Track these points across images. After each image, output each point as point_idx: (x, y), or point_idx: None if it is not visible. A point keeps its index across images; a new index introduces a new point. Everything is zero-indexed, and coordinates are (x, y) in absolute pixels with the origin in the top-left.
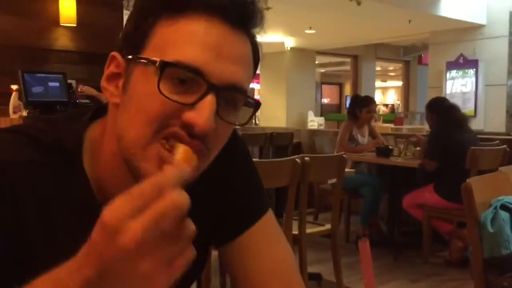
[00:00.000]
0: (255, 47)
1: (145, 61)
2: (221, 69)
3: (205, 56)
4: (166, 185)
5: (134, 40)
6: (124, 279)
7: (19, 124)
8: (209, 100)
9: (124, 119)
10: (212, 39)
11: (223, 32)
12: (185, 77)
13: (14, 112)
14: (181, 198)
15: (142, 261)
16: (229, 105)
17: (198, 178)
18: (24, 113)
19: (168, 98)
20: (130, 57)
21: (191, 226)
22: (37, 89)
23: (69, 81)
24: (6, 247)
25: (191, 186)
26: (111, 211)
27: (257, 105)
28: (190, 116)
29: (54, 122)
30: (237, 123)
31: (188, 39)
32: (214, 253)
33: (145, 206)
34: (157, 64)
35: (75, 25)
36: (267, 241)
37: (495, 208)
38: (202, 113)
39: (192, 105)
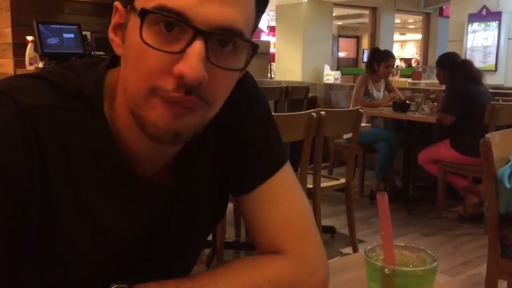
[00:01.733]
0: None
1: (134, 9)
2: (207, 11)
3: None
4: None
5: None
6: None
7: (41, 70)
8: (196, 47)
9: (125, 71)
10: None
11: None
12: (168, 22)
13: (31, 64)
14: None
15: None
16: (223, 49)
17: (218, 130)
18: (40, 65)
19: (155, 49)
20: (128, 7)
21: None
22: (52, 41)
23: (83, 32)
24: (31, 190)
25: (211, 136)
26: None
27: (254, 46)
28: (178, 67)
29: (75, 69)
30: (235, 68)
31: None
32: (229, 205)
33: None
34: (138, 13)
35: None
36: (284, 192)
37: None
38: (189, 61)
39: (180, 54)
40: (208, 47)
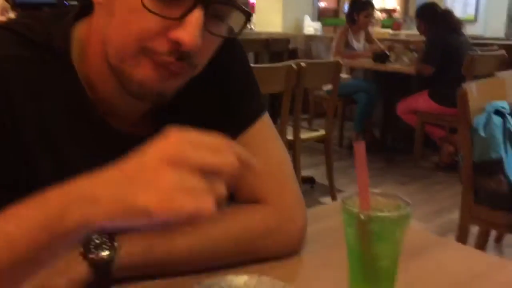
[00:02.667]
0: None
1: None
2: None
3: None
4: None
5: None
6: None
7: (6, 20)
8: (197, 15)
9: (109, 25)
10: None
11: None
12: None
13: (2, 14)
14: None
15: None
16: (217, 17)
17: (197, 83)
18: (12, 16)
19: (153, 13)
20: None
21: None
22: None
23: None
24: (2, 140)
25: (187, 87)
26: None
27: (248, 15)
28: (177, 34)
29: (41, 19)
30: (226, 35)
31: None
32: None
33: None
34: None
35: None
36: (263, 143)
37: (489, 113)
38: (189, 29)
39: (178, 20)
40: (205, 15)
